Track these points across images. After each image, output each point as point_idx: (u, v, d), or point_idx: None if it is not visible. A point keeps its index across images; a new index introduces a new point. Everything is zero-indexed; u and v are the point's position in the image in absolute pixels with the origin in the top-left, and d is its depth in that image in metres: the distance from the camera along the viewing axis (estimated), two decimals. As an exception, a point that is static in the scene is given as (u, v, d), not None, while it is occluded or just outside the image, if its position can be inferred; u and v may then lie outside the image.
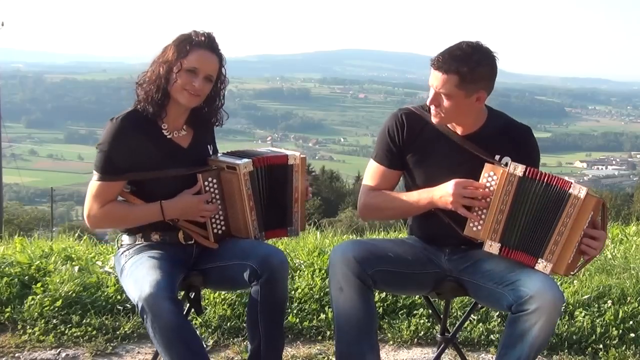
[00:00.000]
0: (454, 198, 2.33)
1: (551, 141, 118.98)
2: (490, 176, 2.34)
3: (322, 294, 3.63)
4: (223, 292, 3.56)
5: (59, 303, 3.43)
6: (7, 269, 3.76)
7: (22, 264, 3.86)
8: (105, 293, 3.58)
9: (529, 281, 2.24)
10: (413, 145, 2.51)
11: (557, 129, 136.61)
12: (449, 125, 2.50)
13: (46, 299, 3.46)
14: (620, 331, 3.41)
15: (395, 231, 5.37)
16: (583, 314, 3.54)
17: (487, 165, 2.36)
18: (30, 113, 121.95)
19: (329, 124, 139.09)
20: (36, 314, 3.40)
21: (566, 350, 3.34)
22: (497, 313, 3.51)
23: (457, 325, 2.72)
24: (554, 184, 2.30)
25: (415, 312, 3.57)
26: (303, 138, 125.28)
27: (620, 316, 3.51)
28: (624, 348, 3.33)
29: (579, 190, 2.27)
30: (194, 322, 3.35)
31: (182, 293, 2.58)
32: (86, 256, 4.20)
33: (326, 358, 3.21)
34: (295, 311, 3.54)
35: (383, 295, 3.59)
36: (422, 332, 3.43)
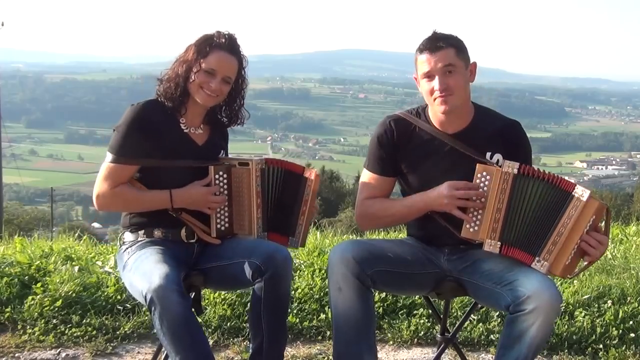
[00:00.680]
0: (448, 200, 2.34)
1: (551, 141, 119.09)
2: (484, 176, 2.34)
3: (322, 294, 3.64)
4: (223, 292, 3.56)
5: (59, 303, 3.43)
6: (7, 269, 3.76)
7: (22, 264, 3.87)
8: (105, 293, 3.58)
9: (526, 281, 2.24)
10: (404, 150, 2.52)
11: (557, 129, 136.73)
12: (438, 125, 2.50)
13: (46, 299, 3.46)
14: (620, 331, 3.41)
15: (395, 231, 5.37)
16: (583, 314, 3.54)
17: (479, 166, 2.36)
18: (30, 113, 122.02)
19: (329, 124, 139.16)
20: (36, 314, 3.40)
21: (566, 350, 3.34)
22: (497, 313, 3.51)
23: (457, 325, 2.73)
24: (557, 184, 2.30)
25: (415, 312, 3.58)
26: (303, 138, 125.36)
27: (620, 316, 3.51)
28: (624, 348, 3.33)
29: (582, 193, 2.26)
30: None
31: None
32: (86, 256, 4.21)
33: (326, 358, 3.21)
34: (295, 311, 3.54)
35: (383, 295, 3.59)
36: (422, 332, 3.43)
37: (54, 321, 3.36)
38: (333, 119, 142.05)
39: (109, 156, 2.45)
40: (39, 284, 3.61)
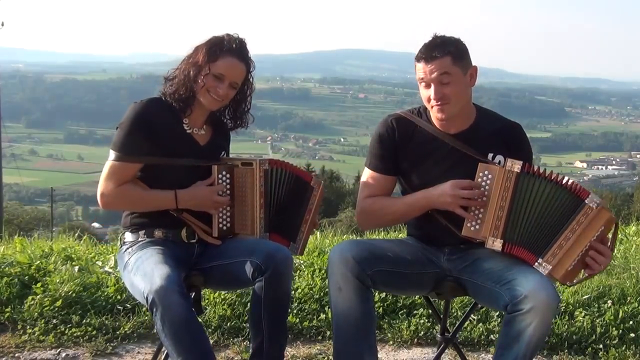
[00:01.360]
0: (452, 199, 2.33)
1: (551, 141, 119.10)
2: (485, 175, 2.34)
3: (322, 294, 3.64)
4: (223, 292, 3.56)
5: (59, 303, 3.43)
6: (7, 269, 3.76)
7: (22, 264, 3.87)
8: (105, 293, 3.58)
9: (524, 281, 2.24)
10: (405, 149, 2.52)
11: (557, 129, 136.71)
12: (439, 125, 2.51)
13: (46, 299, 3.46)
14: (620, 331, 3.41)
15: (395, 231, 5.37)
16: (583, 314, 3.54)
17: (481, 165, 2.36)
18: (30, 113, 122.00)
19: (329, 124, 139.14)
20: (36, 314, 3.40)
21: (566, 350, 3.34)
22: (497, 313, 3.51)
23: (457, 325, 2.73)
24: (571, 189, 2.29)
25: (415, 312, 3.58)
26: (303, 138, 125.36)
27: (620, 316, 3.52)
28: (624, 348, 3.33)
29: (594, 202, 2.26)
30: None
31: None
32: (86, 256, 4.21)
33: (326, 358, 3.21)
34: (295, 311, 3.54)
35: (383, 295, 3.59)
36: (422, 332, 3.43)
37: (54, 321, 3.36)
38: (333, 119, 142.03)
39: (112, 154, 2.45)
40: (39, 284, 3.61)
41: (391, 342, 3.41)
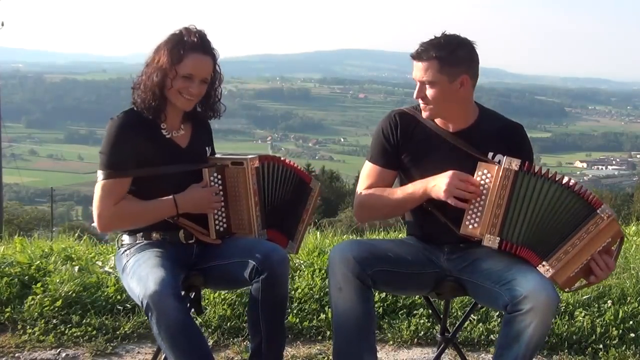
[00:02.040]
0: (448, 187, 2.31)
1: (551, 141, 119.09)
2: (485, 174, 2.34)
3: (322, 294, 3.63)
4: (223, 292, 3.56)
5: (59, 303, 3.43)
6: (7, 269, 3.76)
7: (22, 264, 3.86)
8: (105, 293, 3.58)
9: (524, 281, 2.24)
10: (407, 144, 2.52)
11: (557, 129, 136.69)
12: (439, 123, 2.52)
13: (46, 299, 3.46)
14: (620, 331, 3.41)
15: (395, 231, 5.37)
16: (583, 314, 3.54)
17: (480, 164, 2.36)
18: (30, 113, 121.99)
19: (329, 124, 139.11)
20: (36, 314, 3.40)
21: (566, 350, 3.34)
22: (497, 313, 3.51)
23: (457, 325, 2.72)
24: (583, 196, 2.28)
25: (415, 312, 3.58)
26: (303, 138, 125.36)
27: (620, 316, 3.51)
28: (624, 348, 3.33)
29: (606, 213, 2.27)
30: (194, 322, 3.35)
31: (182, 293, 2.58)
32: (86, 256, 4.20)
33: (326, 358, 3.21)
34: (295, 311, 3.54)
35: (383, 295, 3.59)
36: (422, 332, 3.43)
37: (54, 321, 3.36)
38: (333, 119, 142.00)
39: (101, 174, 2.40)
40: (39, 284, 3.61)
41: (391, 342, 3.41)
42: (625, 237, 2.37)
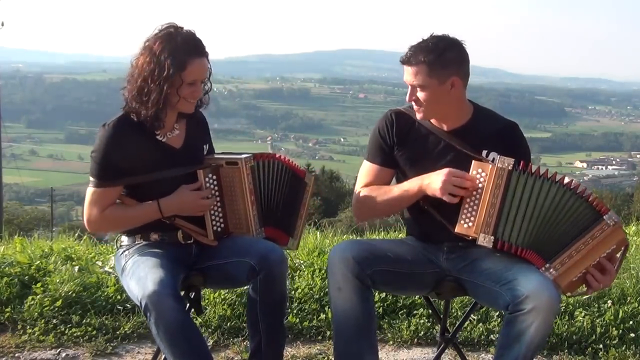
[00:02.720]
0: (443, 184, 2.32)
1: (551, 141, 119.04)
2: (479, 173, 2.34)
3: (322, 294, 3.63)
4: (223, 292, 3.56)
5: (59, 303, 3.43)
6: (7, 269, 3.76)
7: (22, 264, 3.87)
8: (105, 293, 3.58)
9: (525, 281, 2.23)
10: (403, 143, 2.54)
11: (557, 129, 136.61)
12: (434, 122, 2.53)
13: (46, 299, 3.46)
14: (620, 331, 3.42)
15: (395, 231, 5.37)
16: (583, 314, 3.54)
17: (474, 163, 2.36)
18: (30, 113, 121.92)
19: (329, 124, 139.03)
20: (36, 314, 3.40)
21: (566, 350, 3.34)
22: (497, 313, 3.51)
23: (457, 325, 2.73)
24: (589, 200, 2.29)
25: (415, 312, 3.58)
26: (303, 138, 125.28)
27: (620, 316, 3.51)
28: (624, 348, 3.33)
29: (613, 219, 2.27)
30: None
31: (182, 293, 2.58)
32: (86, 256, 4.21)
33: (326, 358, 3.21)
34: (295, 311, 3.54)
35: (383, 295, 3.59)
36: (422, 332, 3.43)
37: (54, 321, 3.36)
38: (333, 119, 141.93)
39: (92, 181, 2.41)
40: (39, 284, 3.61)
41: (391, 342, 3.41)
42: (629, 246, 2.36)
